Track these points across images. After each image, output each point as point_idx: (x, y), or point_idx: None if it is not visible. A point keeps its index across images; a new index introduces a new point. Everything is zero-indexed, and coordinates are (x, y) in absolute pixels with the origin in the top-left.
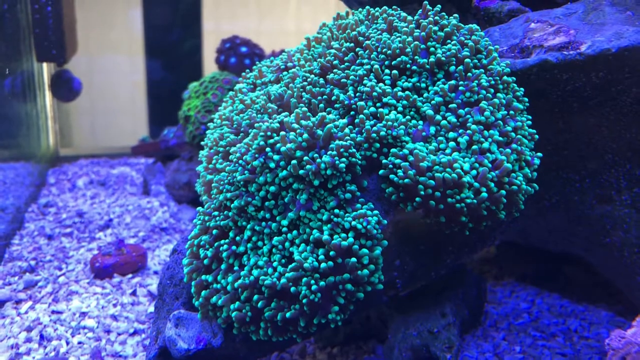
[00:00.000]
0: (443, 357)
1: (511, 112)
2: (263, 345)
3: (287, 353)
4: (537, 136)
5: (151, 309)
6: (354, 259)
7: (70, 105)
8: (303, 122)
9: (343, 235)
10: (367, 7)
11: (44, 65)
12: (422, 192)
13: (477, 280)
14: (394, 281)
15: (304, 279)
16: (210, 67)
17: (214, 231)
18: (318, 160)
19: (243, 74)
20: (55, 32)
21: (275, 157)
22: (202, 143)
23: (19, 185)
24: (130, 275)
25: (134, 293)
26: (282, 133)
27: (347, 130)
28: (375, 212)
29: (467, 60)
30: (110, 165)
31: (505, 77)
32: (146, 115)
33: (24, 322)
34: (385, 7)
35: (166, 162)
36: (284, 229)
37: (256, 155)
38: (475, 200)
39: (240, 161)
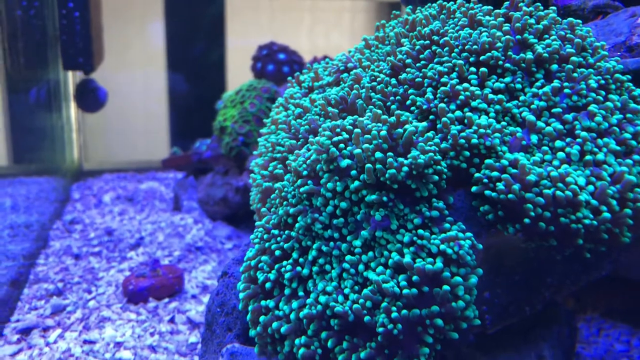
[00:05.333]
0: None
1: (628, 115)
2: None
3: None
4: None
5: (192, 338)
6: (446, 287)
7: (88, 119)
8: (376, 124)
9: (429, 259)
10: (439, 1)
11: (69, 74)
12: (532, 213)
13: (568, 316)
14: (483, 317)
15: (383, 304)
16: (233, 80)
17: (277, 252)
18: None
19: (290, 78)
20: (82, 38)
21: (343, 162)
22: (254, 152)
23: (43, 201)
24: (166, 300)
25: (172, 320)
26: (357, 130)
27: (429, 134)
28: (469, 234)
29: (574, 58)
30: (138, 179)
31: (617, 75)
32: (168, 129)
33: (53, 354)
34: (462, 1)
35: (198, 176)
36: (357, 250)
37: (321, 165)
38: (595, 222)
39: (300, 169)
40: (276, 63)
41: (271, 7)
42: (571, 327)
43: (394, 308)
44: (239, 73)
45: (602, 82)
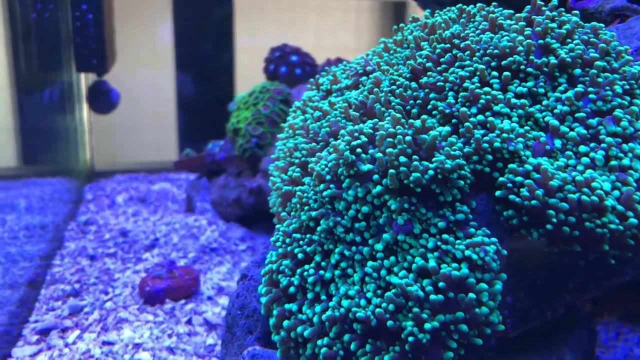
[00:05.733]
0: None
1: None
2: None
3: None
4: None
5: (210, 340)
6: (472, 295)
7: (98, 119)
8: (400, 128)
9: (454, 265)
10: (459, 4)
11: (82, 76)
12: (554, 219)
13: (587, 319)
14: (505, 321)
15: (415, 310)
16: (241, 81)
17: (299, 255)
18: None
19: (311, 80)
20: (96, 40)
21: (364, 167)
22: (272, 156)
23: (57, 202)
24: (183, 301)
25: (189, 322)
26: (382, 132)
27: (452, 139)
28: (493, 239)
29: (598, 62)
30: (150, 180)
31: None
32: (176, 130)
33: (73, 355)
34: (481, 5)
35: (211, 177)
36: (379, 255)
37: (342, 169)
38: (621, 227)
39: (323, 172)
40: (289, 65)
41: (278, 6)
42: (591, 331)
43: (424, 315)
44: (247, 73)
45: (627, 87)
